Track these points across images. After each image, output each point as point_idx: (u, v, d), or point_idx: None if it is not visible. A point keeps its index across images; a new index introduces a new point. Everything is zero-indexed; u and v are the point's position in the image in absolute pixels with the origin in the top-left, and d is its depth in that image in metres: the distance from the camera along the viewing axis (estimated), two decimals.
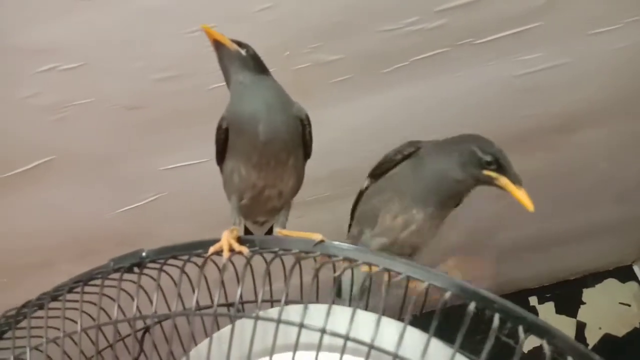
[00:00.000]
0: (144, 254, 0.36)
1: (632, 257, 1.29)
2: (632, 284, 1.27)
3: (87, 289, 0.35)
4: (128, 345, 0.38)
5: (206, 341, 0.32)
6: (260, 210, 0.46)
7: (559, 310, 1.23)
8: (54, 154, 0.74)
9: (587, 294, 1.25)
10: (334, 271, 0.33)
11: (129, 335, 0.36)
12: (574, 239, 1.13)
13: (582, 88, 0.81)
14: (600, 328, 1.18)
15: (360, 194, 0.53)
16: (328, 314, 0.26)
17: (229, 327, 0.30)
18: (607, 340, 1.17)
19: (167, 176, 0.81)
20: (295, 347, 0.26)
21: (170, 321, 0.34)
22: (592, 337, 1.19)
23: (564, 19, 0.71)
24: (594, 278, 1.26)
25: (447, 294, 0.27)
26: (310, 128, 0.45)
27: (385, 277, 0.31)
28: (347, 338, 0.26)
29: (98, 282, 0.34)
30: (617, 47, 0.75)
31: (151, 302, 0.31)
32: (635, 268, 1.31)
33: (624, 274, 1.28)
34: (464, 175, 0.44)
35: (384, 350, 0.26)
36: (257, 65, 0.45)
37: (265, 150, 0.42)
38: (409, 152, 0.48)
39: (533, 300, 1.23)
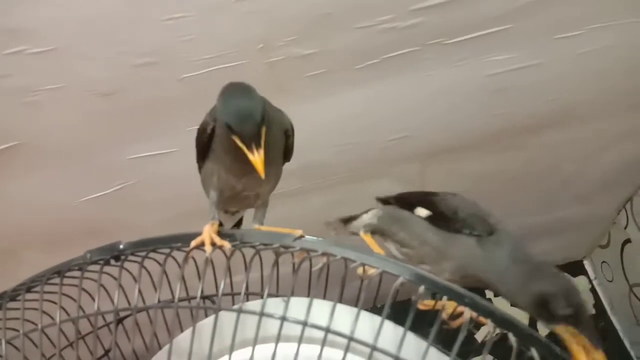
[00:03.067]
0: (121, 246, 0.36)
1: (583, 253, 1.36)
2: (582, 279, 1.34)
3: (64, 280, 0.35)
4: (100, 337, 0.38)
5: (188, 332, 0.32)
6: (235, 204, 0.46)
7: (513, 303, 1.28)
8: (20, 139, 0.72)
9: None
10: (311, 265, 0.33)
11: (104, 326, 0.36)
12: (532, 235, 1.17)
13: (548, 90, 0.84)
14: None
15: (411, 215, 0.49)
16: (309, 308, 0.27)
17: (208, 319, 0.31)
18: None
19: (136, 165, 0.80)
20: (277, 340, 0.27)
21: (145, 313, 0.34)
22: (544, 328, 1.25)
23: (534, 23, 0.73)
24: None
25: (399, 280, 0.28)
26: (293, 137, 0.46)
27: (360, 270, 0.32)
28: (328, 330, 0.27)
29: (76, 273, 0.34)
30: (580, 51, 0.78)
31: (126, 296, 0.32)
32: (586, 263, 1.37)
33: (575, 268, 1.34)
34: (525, 307, 0.40)
35: (364, 343, 0.27)
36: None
37: (247, 167, 0.41)
38: (485, 231, 0.44)
39: (489, 293, 1.27)
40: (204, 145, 0.43)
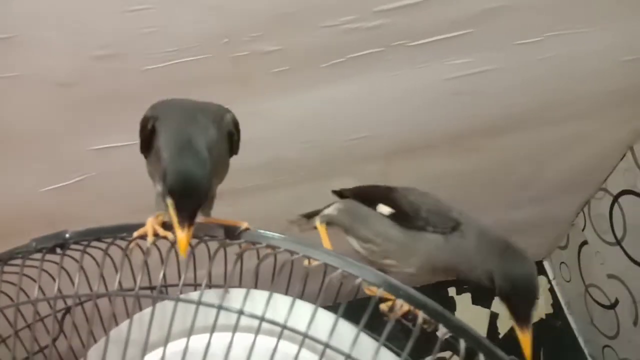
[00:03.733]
0: (67, 235, 0.36)
1: (543, 254, 1.39)
2: (542, 279, 1.38)
3: (6, 268, 0.34)
4: (47, 326, 0.37)
5: (127, 321, 0.32)
6: None
7: (475, 301, 1.31)
8: None
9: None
10: (258, 258, 0.34)
11: (49, 315, 0.35)
12: None
13: (507, 94, 0.86)
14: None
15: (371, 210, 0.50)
16: (246, 297, 0.28)
17: (150, 308, 0.31)
18: None
19: (95, 157, 0.79)
20: (213, 329, 0.27)
21: (92, 303, 0.34)
22: (504, 327, 1.28)
23: (494, 28, 0.75)
24: None
25: (338, 271, 0.29)
26: (239, 134, 0.45)
27: (305, 262, 0.33)
28: (262, 319, 0.28)
29: (18, 261, 0.33)
30: (538, 58, 0.80)
31: (73, 283, 0.32)
32: (546, 264, 1.41)
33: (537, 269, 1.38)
34: (488, 283, 0.42)
35: (297, 331, 0.27)
36: None
37: None
38: (448, 227, 0.45)
39: (452, 291, 1.30)
40: (146, 140, 0.43)
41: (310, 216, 0.60)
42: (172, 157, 0.36)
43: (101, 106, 0.72)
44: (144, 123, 0.43)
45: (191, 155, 0.36)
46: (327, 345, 0.27)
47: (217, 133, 0.41)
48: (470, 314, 1.26)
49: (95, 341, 0.37)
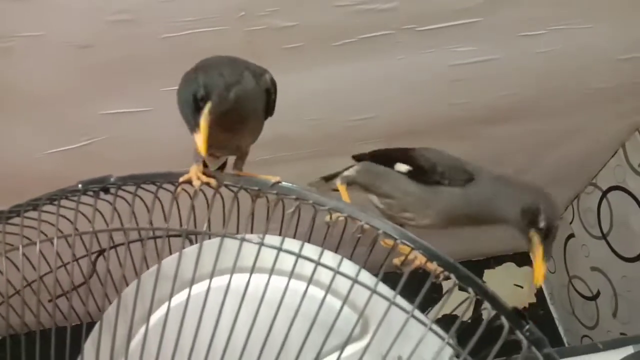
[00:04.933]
0: (112, 179, 0.38)
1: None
2: (527, 269, 1.42)
3: (47, 207, 0.36)
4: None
5: (175, 256, 0.34)
6: (219, 151, 0.49)
7: (461, 287, 1.34)
8: None
9: (488, 274, 1.38)
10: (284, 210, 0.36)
11: (84, 256, 0.37)
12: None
13: (507, 84, 0.89)
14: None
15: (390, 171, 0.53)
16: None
17: (194, 246, 0.33)
18: None
19: (106, 121, 0.80)
20: (272, 270, 0.29)
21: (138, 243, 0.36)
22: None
23: (500, 18, 0.77)
24: (495, 261, 1.40)
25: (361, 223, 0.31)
26: (276, 95, 0.48)
27: (327, 217, 0.35)
28: (299, 255, 0.30)
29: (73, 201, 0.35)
30: (539, 51, 0.83)
31: (122, 223, 0.34)
32: (531, 255, 1.45)
33: (521, 259, 1.42)
34: (515, 220, 0.46)
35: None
36: None
37: (226, 120, 0.43)
38: (462, 180, 0.49)
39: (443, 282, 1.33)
40: None
41: (329, 179, 0.62)
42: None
43: (115, 71, 0.73)
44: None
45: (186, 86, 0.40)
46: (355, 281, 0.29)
47: (254, 83, 0.44)
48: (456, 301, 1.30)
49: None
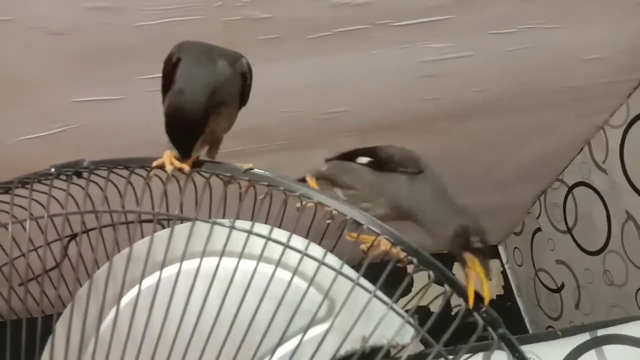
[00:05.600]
0: (85, 163, 0.38)
1: (499, 238, 1.47)
2: (495, 262, 1.46)
3: (20, 191, 0.37)
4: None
5: (147, 239, 0.35)
6: None
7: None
8: None
9: (457, 267, 1.41)
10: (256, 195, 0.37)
11: (57, 240, 0.38)
12: None
13: (478, 81, 0.91)
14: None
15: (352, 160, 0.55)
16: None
17: (165, 230, 0.34)
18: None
19: (79, 109, 0.80)
20: (242, 253, 0.31)
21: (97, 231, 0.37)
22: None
23: (472, 16, 0.79)
24: None
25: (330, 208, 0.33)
26: (251, 80, 0.49)
27: (298, 204, 0.36)
28: (268, 238, 0.32)
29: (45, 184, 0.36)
30: (509, 49, 0.85)
31: (94, 205, 0.34)
32: (500, 248, 1.49)
33: (490, 252, 1.45)
34: (444, 241, 0.47)
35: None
36: None
37: None
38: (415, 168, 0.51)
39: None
40: (168, 76, 0.45)
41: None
42: (170, 99, 0.40)
43: (90, 58, 0.73)
44: (169, 57, 0.45)
45: (187, 96, 0.40)
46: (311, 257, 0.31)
47: (230, 71, 0.45)
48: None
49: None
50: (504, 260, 1.47)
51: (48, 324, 0.36)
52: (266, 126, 0.91)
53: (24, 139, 0.84)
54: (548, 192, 1.27)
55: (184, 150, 0.39)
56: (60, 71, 0.73)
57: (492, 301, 1.33)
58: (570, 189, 1.18)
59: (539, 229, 1.32)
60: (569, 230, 1.20)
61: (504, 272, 1.46)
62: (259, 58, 0.80)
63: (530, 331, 1.38)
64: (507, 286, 1.44)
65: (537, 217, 1.31)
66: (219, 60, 0.44)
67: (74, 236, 0.41)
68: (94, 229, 0.38)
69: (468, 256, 0.45)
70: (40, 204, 0.38)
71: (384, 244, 0.36)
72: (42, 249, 0.36)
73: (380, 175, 0.52)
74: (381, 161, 0.52)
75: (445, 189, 0.51)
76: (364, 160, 0.54)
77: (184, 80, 0.41)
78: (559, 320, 1.28)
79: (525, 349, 0.67)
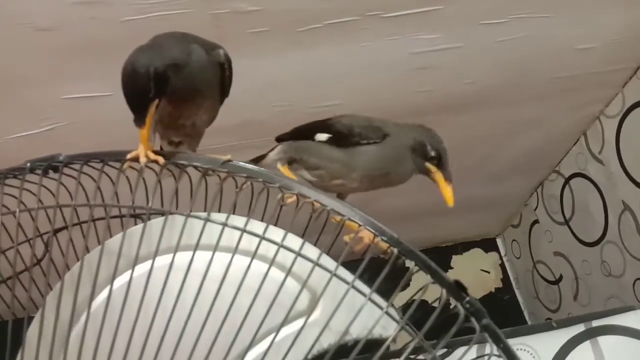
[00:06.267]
0: (61, 157, 0.38)
1: (497, 231, 1.47)
2: (494, 255, 1.45)
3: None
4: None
5: (119, 235, 0.35)
6: (174, 133, 0.49)
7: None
8: None
9: (456, 260, 1.41)
10: (236, 187, 0.37)
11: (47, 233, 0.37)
12: (448, 210, 1.26)
13: (470, 72, 0.90)
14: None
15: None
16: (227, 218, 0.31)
17: (139, 226, 0.33)
18: None
19: (69, 105, 0.79)
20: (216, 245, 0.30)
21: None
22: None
23: (462, 6, 0.78)
24: (463, 247, 1.42)
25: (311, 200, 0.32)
26: (231, 72, 0.48)
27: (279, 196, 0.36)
28: (244, 231, 0.31)
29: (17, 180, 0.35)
30: (499, 39, 0.84)
31: (72, 198, 0.34)
32: (498, 241, 1.49)
33: (488, 245, 1.45)
34: (412, 161, 0.51)
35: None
36: None
37: (178, 96, 0.43)
38: (379, 137, 0.52)
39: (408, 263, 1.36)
40: None
41: (256, 161, 0.62)
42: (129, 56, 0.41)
43: (78, 54, 0.72)
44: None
45: (146, 55, 0.41)
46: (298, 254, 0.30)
47: (205, 57, 0.44)
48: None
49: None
50: (502, 252, 1.47)
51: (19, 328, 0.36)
52: (257, 120, 0.90)
53: (16, 137, 0.83)
54: (545, 184, 1.26)
55: (136, 113, 0.39)
56: (47, 68, 0.73)
57: (490, 294, 1.33)
58: (567, 180, 1.18)
59: (536, 221, 1.31)
60: (567, 222, 1.19)
61: (502, 265, 1.45)
62: (249, 51, 0.80)
63: (529, 323, 1.37)
64: (505, 279, 1.44)
65: (535, 209, 1.31)
66: (193, 44, 0.43)
67: (58, 230, 0.41)
68: (71, 225, 0.37)
69: (428, 165, 0.51)
70: (13, 196, 0.38)
71: (368, 235, 0.35)
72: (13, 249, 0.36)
73: (346, 150, 0.52)
74: (343, 136, 0.52)
75: (403, 126, 0.53)
76: (323, 137, 0.53)
77: (148, 44, 0.42)
78: (558, 312, 1.28)
79: (520, 341, 0.67)
